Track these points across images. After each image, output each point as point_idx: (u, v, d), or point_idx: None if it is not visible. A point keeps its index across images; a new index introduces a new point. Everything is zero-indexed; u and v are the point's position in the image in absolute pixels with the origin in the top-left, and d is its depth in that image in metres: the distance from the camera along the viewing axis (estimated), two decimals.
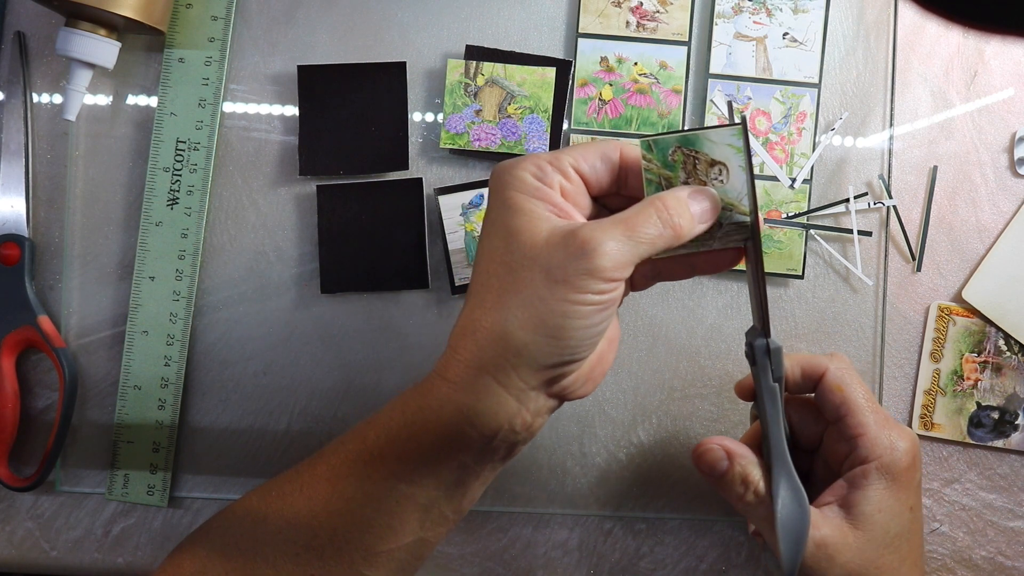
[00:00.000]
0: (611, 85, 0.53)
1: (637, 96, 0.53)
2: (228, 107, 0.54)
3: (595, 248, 0.35)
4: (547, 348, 0.36)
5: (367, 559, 0.39)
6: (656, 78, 0.53)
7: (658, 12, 0.53)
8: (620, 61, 0.53)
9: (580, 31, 0.53)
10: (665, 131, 0.39)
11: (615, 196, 0.40)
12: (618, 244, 0.36)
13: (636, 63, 0.53)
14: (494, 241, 0.38)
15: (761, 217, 0.41)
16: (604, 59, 0.53)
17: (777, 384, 0.41)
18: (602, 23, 0.53)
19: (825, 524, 0.41)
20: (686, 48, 0.53)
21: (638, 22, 0.53)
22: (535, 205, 0.37)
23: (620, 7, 0.53)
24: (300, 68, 0.53)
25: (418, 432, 0.38)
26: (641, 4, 0.53)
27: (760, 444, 0.44)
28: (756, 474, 0.42)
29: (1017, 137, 0.54)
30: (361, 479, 0.39)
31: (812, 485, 0.43)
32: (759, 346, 0.41)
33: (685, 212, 0.37)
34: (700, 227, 0.38)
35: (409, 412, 0.38)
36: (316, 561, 0.39)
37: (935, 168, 0.54)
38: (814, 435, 0.46)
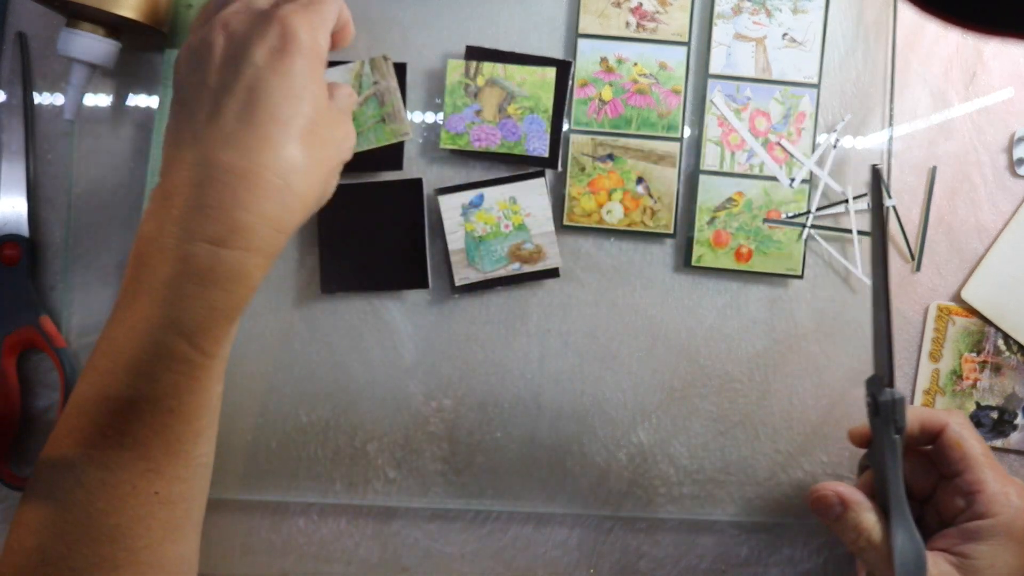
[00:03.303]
0: (611, 85, 0.53)
1: (637, 96, 0.53)
2: None
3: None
4: None
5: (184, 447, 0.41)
6: (656, 78, 0.53)
7: (658, 12, 0.53)
8: (620, 61, 0.53)
9: (580, 31, 0.53)
10: None
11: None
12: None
13: (636, 63, 0.53)
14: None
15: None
16: (604, 59, 0.53)
17: (898, 437, 0.41)
18: (602, 23, 0.53)
19: (937, 570, 0.42)
20: (686, 48, 0.53)
21: (638, 22, 0.53)
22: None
23: (620, 7, 0.53)
24: None
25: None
26: (641, 4, 0.53)
27: (873, 490, 0.45)
28: (869, 521, 0.44)
29: (1016, 137, 0.54)
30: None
31: (922, 532, 0.44)
32: (884, 402, 0.41)
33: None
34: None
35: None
36: None
37: (934, 168, 0.54)
38: (926, 485, 0.47)
